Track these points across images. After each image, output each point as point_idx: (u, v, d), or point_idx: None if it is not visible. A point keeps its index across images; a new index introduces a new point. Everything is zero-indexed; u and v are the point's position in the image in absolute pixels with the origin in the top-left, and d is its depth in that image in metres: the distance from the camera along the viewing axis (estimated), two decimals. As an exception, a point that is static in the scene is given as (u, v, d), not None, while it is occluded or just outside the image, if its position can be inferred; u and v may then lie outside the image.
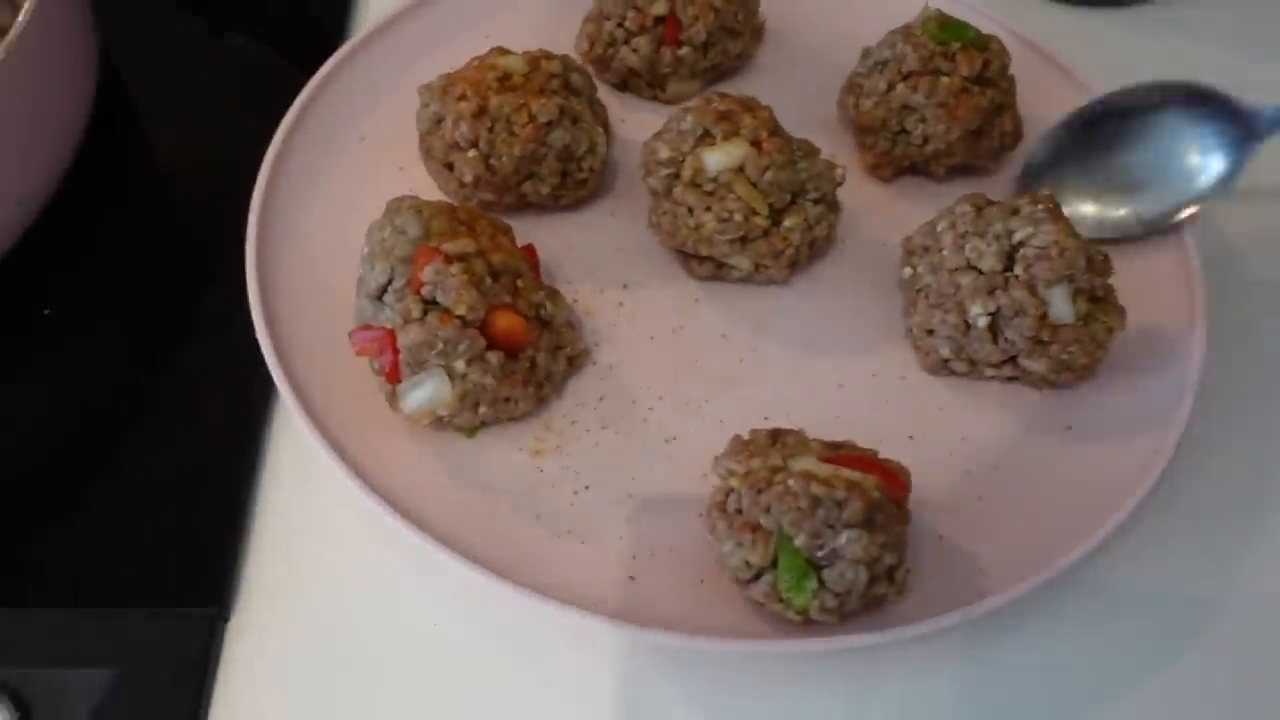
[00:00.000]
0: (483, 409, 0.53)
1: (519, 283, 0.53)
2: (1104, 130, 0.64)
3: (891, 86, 0.64)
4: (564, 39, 0.71)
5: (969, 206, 0.57)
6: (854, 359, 0.59)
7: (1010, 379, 0.58)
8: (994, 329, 0.55)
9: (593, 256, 0.63)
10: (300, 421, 0.53)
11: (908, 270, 0.58)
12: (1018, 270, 0.54)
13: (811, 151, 0.59)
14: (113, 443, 0.57)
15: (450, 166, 0.62)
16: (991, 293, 0.55)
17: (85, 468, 0.56)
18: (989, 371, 0.57)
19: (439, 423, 0.53)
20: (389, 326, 0.52)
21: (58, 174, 0.62)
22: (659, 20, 0.67)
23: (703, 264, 0.60)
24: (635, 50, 0.68)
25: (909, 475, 0.50)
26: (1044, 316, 0.54)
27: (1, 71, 0.53)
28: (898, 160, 0.65)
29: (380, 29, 0.69)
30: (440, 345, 0.50)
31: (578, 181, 0.62)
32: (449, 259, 0.51)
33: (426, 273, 0.51)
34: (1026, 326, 0.54)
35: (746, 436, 0.51)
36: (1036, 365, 0.56)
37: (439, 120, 0.61)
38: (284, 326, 0.57)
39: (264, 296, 0.57)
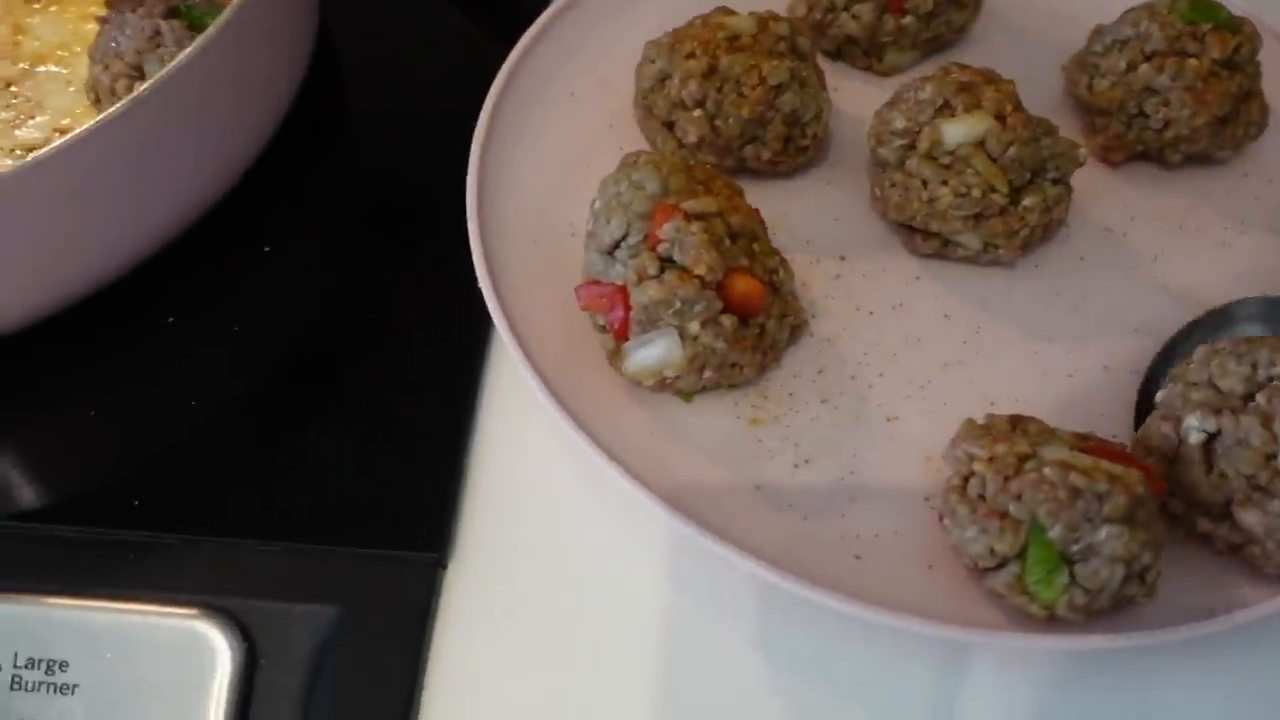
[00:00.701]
0: (708, 373, 0.52)
1: (755, 246, 0.52)
2: None
3: (1133, 66, 0.61)
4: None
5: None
6: (1083, 348, 0.57)
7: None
8: (1209, 455, 0.48)
9: (809, 225, 0.61)
10: (523, 371, 0.52)
11: None
12: (1260, 399, 0.47)
13: (1052, 129, 0.57)
14: (335, 385, 0.57)
15: (670, 125, 0.61)
16: (1219, 412, 0.47)
17: (311, 408, 0.56)
18: (1203, 525, 0.48)
19: (661, 384, 0.52)
20: (620, 283, 0.51)
21: (278, 118, 0.62)
22: (884, -14, 0.65)
23: (928, 240, 0.58)
24: (856, 17, 0.66)
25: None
26: (1273, 457, 0.46)
27: (233, 26, 0.54)
28: (1131, 144, 0.62)
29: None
30: (677, 304, 0.49)
31: (799, 148, 0.61)
32: (689, 217, 0.50)
33: (665, 230, 0.50)
34: (1246, 461, 0.46)
35: (982, 421, 0.49)
36: (1250, 518, 0.46)
37: (664, 78, 0.60)
38: (503, 274, 0.56)
39: (485, 245, 0.57)
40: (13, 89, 0.65)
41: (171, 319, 0.58)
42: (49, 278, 0.54)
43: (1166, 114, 0.60)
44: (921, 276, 0.59)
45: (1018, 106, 0.56)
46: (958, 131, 0.56)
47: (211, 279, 0.59)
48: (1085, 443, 0.47)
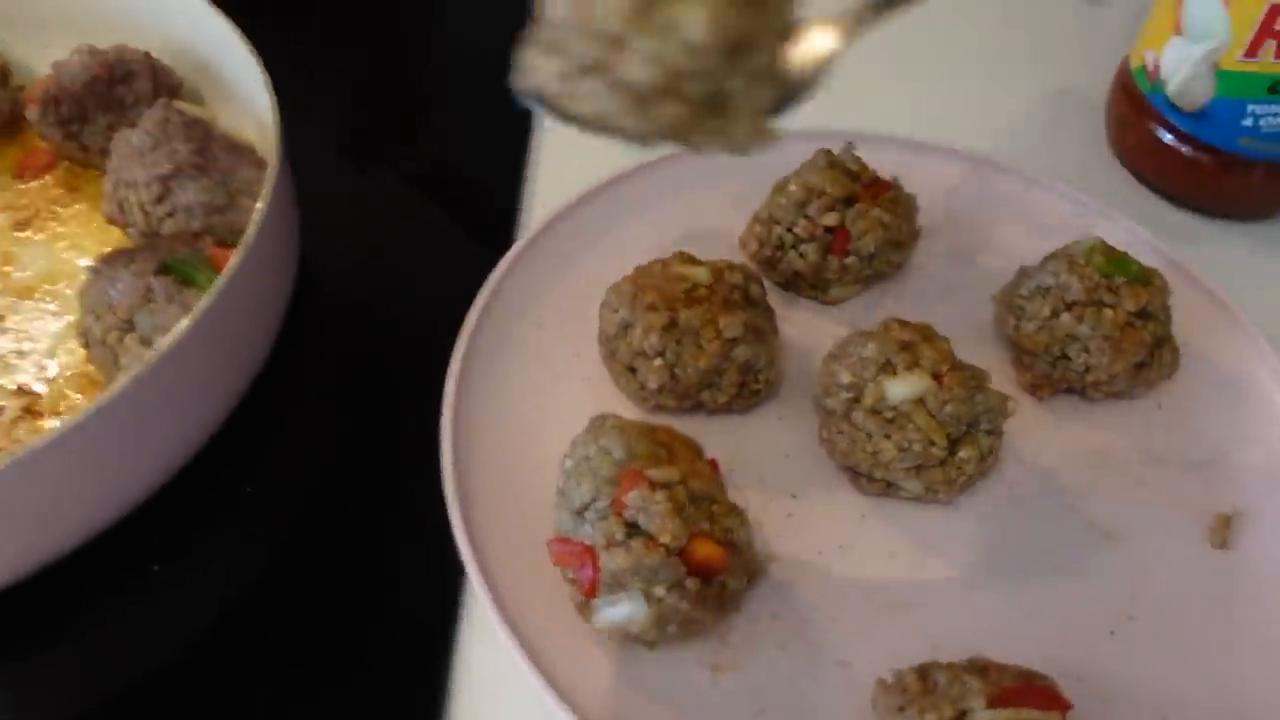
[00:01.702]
0: (671, 628, 0.55)
1: (714, 508, 0.56)
2: None
3: (1055, 314, 0.66)
4: (725, 227, 0.76)
5: None
6: (1026, 582, 0.61)
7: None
8: None
9: (761, 463, 0.65)
10: (495, 621, 0.55)
11: None
12: None
13: (984, 383, 0.62)
14: (315, 625, 0.59)
15: (632, 369, 0.65)
16: None
17: (291, 647, 0.58)
18: None
19: (626, 637, 0.55)
20: (588, 543, 0.55)
21: (262, 362, 0.65)
22: (829, 230, 0.70)
23: (873, 483, 0.63)
24: (803, 256, 0.71)
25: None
26: None
27: (226, 293, 0.57)
28: (1056, 382, 0.68)
29: (553, 220, 0.74)
30: (644, 572, 0.53)
31: (752, 391, 0.65)
32: (653, 485, 0.54)
33: (631, 497, 0.54)
34: None
35: (890, 679, 0.53)
36: None
37: (626, 326, 0.64)
38: (475, 510, 0.60)
39: (459, 487, 0.60)
40: (4, 322, 0.68)
41: (156, 567, 0.60)
42: (33, 541, 0.56)
43: (1087, 359, 0.66)
44: (868, 515, 0.63)
45: (954, 365, 0.61)
46: (899, 390, 0.60)
47: (194, 523, 0.62)
48: (1004, 686, 0.51)
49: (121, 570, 0.60)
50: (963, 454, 0.61)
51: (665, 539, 0.53)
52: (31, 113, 0.74)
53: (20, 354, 0.67)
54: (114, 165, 0.70)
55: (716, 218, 0.77)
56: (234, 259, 0.59)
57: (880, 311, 0.73)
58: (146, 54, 0.75)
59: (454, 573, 0.60)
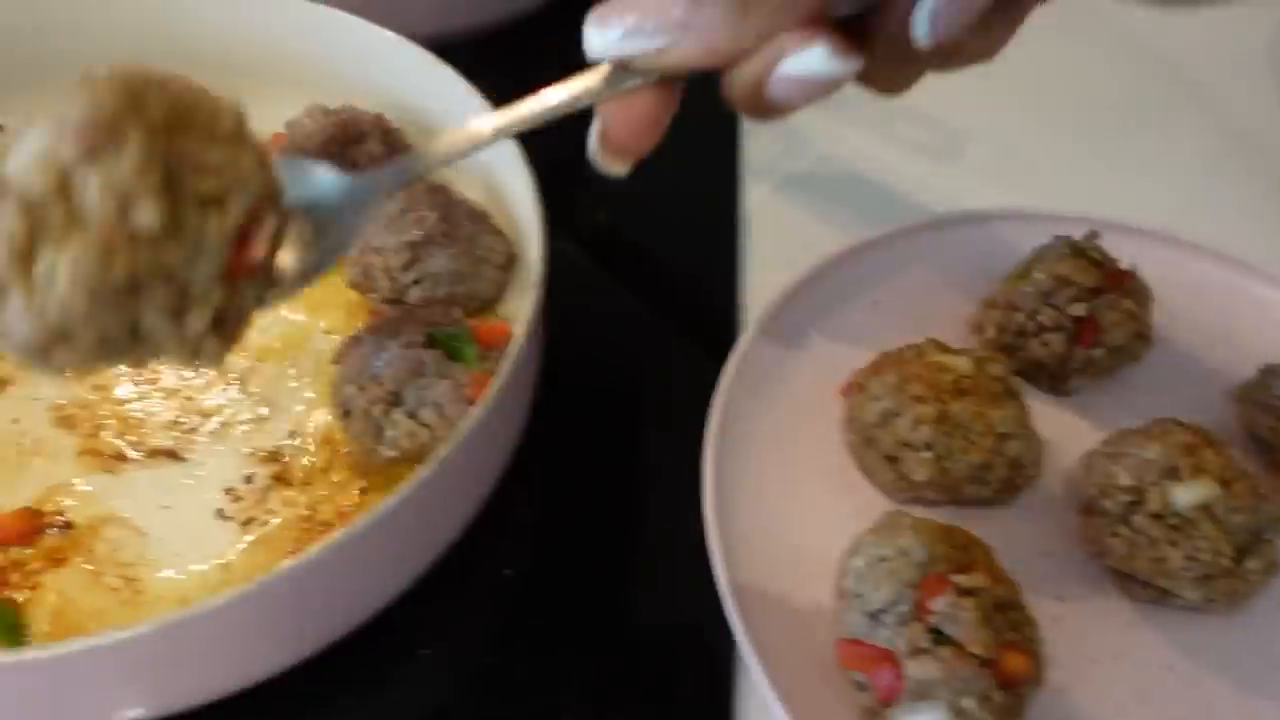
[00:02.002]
0: (967, 740, 0.53)
1: (1016, 616, 0.54)
2: None
3: (1313, 412, 0.64)
4: (951, 311, 0.75)
5: None
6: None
7: None
8: None
9: (1021, 561, 0.62)
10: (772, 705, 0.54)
11: None
12: None
13: (1271, 491, 0.60)
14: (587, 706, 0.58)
15: (892, 459, 0.63)
16: None
17: None
18: None
19: (919, 747, 0.53)
20: (886, 647, 0.53)
21: (516, 443, 0.65)
22: (1076, 320, 0.69)
23: (1147, 589, 0.61)
24: (1046, 345, 0.69)
25: None
26: None
27: (526, 349, 0.58)
28: (1320, 485, 0.66)
29: (779, 306, 0.72)
30: (954, 683, 0.51)
31: (1014, 486, 0.64)
32: (961, 592, 0.52)
33: (938, 603, 0.52)
34: None
35: None
36: None
37: (890, 416, 0.63)
38: (751, 610, 0.58)
39: (732, 580, 0.59)
40: (244, 388, 0.67)
41: (426, 651, 0.59)
42: (314, 627, 0.56)
43: (1357, 463, 0.64)
44: (1136, 623, 0.62)
45: (1242, 474, 0.59)
46: (1187, 496, 0.59)
47: (456, 607, 0.61)
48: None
49: (389, 655, 0.59)
50: (1250, 564, 0.59)
51: (976, 649, 0.51)
52: (266, 172, 0.73)
53: (263, 419, 0.66)
54: (357, 230, 0.69)
55: (939, 299, 0.76)
56: (519, 341, 0.58)
57: (1114, 405, 0.71)
58: (379, 115, 0.75)
59: (723, 665, 0.59)
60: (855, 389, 0.67)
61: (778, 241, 0.83)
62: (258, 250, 0.41)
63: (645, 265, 0.85)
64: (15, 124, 0.70)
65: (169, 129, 0.38)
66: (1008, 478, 0.63)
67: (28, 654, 0.46)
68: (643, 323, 0.79)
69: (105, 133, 0.36)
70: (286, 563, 0.49)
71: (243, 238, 0.41)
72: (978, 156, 0.91)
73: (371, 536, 0.51)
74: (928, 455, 0.62)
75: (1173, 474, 0.59)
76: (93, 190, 0.36)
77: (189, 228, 0.39)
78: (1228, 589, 0.59)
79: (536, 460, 0.67)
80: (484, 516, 0.62)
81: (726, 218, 0.84)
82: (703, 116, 0.90)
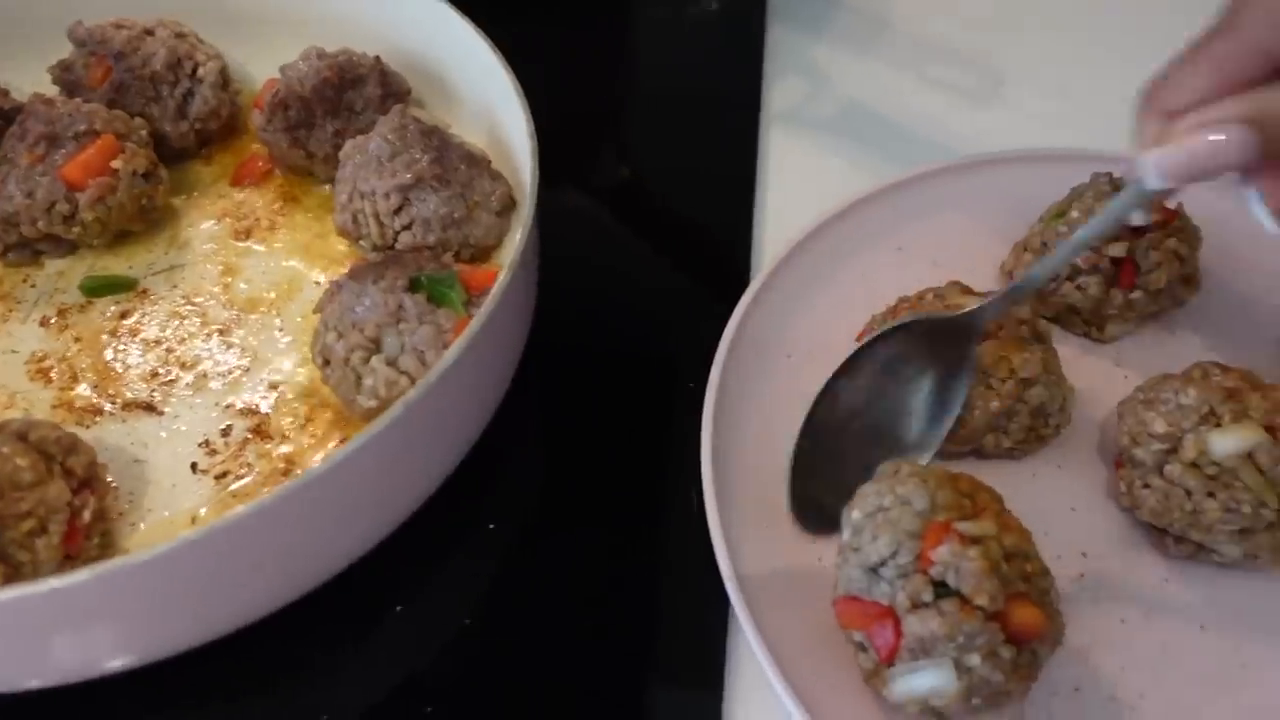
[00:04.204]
0: (976, 701, 0.49)
1: (1028, 566, 0.50)
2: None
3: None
4: (980, 254, 0.70)
5: None
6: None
7: None
8: None
9: (1045, 515, 0.59)
10: (779, 688, 0.50)
11: None
12: None
13: (1321, 440, 0.55)
14: (561, 666, 0.55)
15: (908, 410, 0.59)
16: None
17: (553, 696, 0.54)
18: None
19: (923, 709, 0.49)
20: (885, 603, 0.49)
21: (502, 393, 0.62)
22: (1114, 261, 0.64)
23: (1182, 544, 0.56)
24: (1082, 289, 0.65)
25: None
26: None
27: (510, 287, 0.55)
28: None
29: (795, 248, 0.68)
30: (958, 638, 0.47)
31: (1039, 436, 0.59)
32: (965, 540, 0.48)
33: (940, 553, 0.48)
34: None
35: None
36: None
37: (903, 361, 0.59)
38: (741, 563, 0.55)
39: (724, 527, 0.55)
40: (226, 338, 0.65)
41: (399, 607, 0.56)
42: (290, 575, 0.53)
43: None
44: (1171, 579, 0.57)
45: (1289, 415, 0.54)
46: (1227, 443, 0.54)
47: (434, 564, 0.58)
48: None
49: (368, 607, 0.57)
50: (1298, 518, 0.54)
51: (981, 601, 0.47)
52: (257, 117, 0.71)
53: (246, 370, 0.64)
54: (347, 174, 0.66)
55: (969, 244, 0.71)
56: (502, 278, 0.55)
57: (1158, 352, 0.66)
58: (376, 58, 0.72)
59: (716, 618, 0.56)
60: (870, 333, 0.62)
61: (799, 189, 0.79)
62: (80, 538, 0.53)
63: (663, 220, 0.81)
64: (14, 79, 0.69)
65: None
66: (1030, 427, 0.59)
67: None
68: (657, 276, 0.75)
69: None
70: (241, 507, 0.46)
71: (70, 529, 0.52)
72: (1014, 97, 0.86)
73: (335, 480, 0.49)
74: (943, 402, 0.58)
75: (1212, 420, 0.54)
76: None
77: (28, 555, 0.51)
78: (1270, 544, 0.54)
79: (528, 414, 0.64)
80: (468, 469, 0.58)
81: (747, 167, 0.80)
82: (725, 65, 0.88)
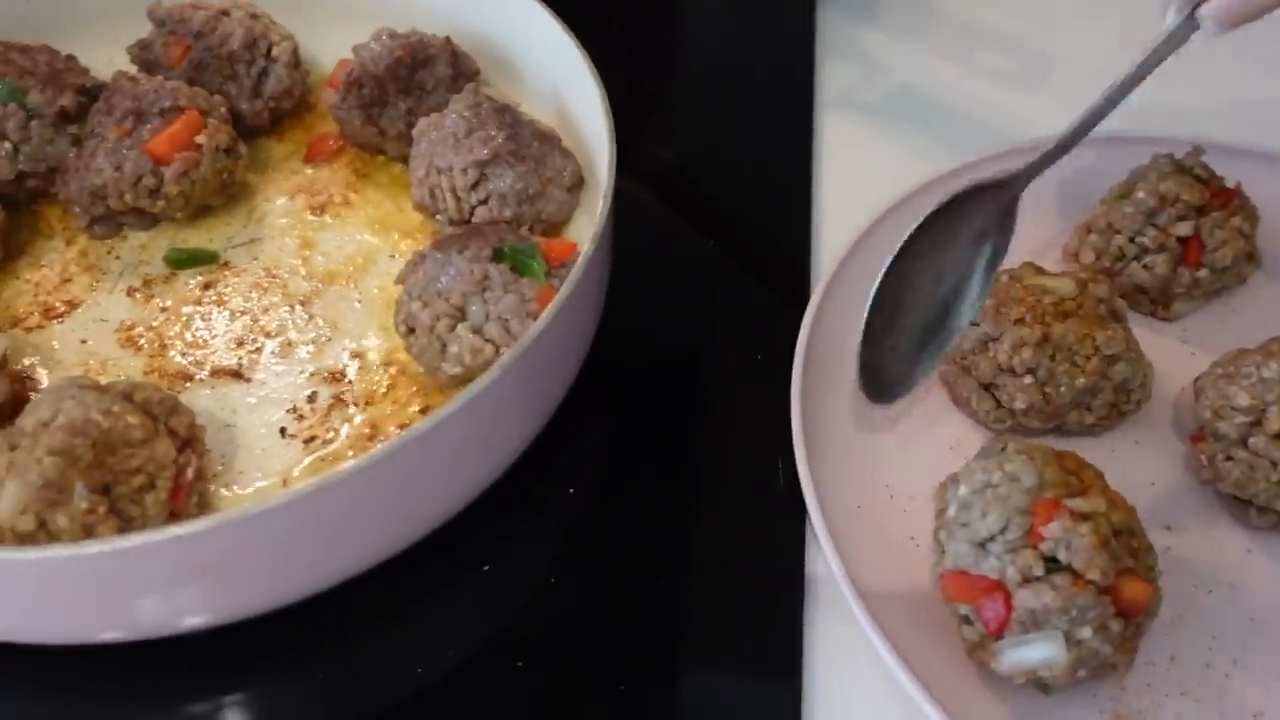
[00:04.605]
0: (1083, 673, 0.50)
1: (1134, 542, 0.51)
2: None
3: None
4: (1043, 237, 0.71)
5: None
6: None
7: None
8: None
9: (1129, 491, 0.59)
10: (884, 654, 0.51)
11: None
12: None
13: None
14: (645, 627, 0.56)
15: (988, 386, 0.60)
16: None
17: (636, 654, 0.55)
18: None
19: (1029, 680, 0.50)
20: (994, 577, 0.50)
21: (583, 361, 0.62)
22: (1181, 240, 0.65)
23: (1265, 515, 0.57)
24: (1149, 268, 0.66)
25: None
26: None
27: (595, 257, 0.56)
28: None
29: (862, 236, 0.69)
30: (1073, 612, 0.48)
31: (1121, 412, 0.60)
32: (1075, 516, 0.49)
33: (1051, 529, 0.49)
34: None
35: None
36: None
37: (988, 340, 0.60)
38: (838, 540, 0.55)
39: (822, 509, 0.56)
40: (308, 309, 0.65)
41: (486, 566, 0.57)
42: (381, 534, 0.54)
43: None
44: (1254, 550, 0.58)
45: (1372, 390, 0.55)
46: (1310, 413, 0.54)
47: (519, 525, 0.59)
48: None
49: (458, 566, 0.57)
50: (1382, 487, 0.55)
51: (1094, 575, 0.48)
52: (330, 95, 0.71)
53: (328, 340, 0.64)
54: (423, 151, 0.67)
55: (1031, 228, 0.71)
56: (588, 249, 0.55)
57: (1220, 328, 0.68)
58: (447, 38, 0.72)
59: (794, 579, 0.57)
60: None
61: (855, 175, 0.79)
62: (184, 495, 0.54)
63: (713, 202, 0.81)
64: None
65: (98, 459, 0.51)
66: (1113, 403, 0.60)
67: (91, 547, 0.45)
68: (712, 258, 0.75)
69: (55, 489, 0.49)
70: (342, 465, 0.47)
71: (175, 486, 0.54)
72: (1063, 81, 0.86)
73: (429, 443, 0.49)
74: (1029, 381, 0.59)
75: (1292, 389, 0.55)
76: (61, 522, 0.50)
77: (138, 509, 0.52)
78: (1354, 513, 0.55)
79: (602, 382, 0.64)
80: (549, 435, 0.59)
81: (802, 153, 0.80)
82: (775, 49, 0.88)
